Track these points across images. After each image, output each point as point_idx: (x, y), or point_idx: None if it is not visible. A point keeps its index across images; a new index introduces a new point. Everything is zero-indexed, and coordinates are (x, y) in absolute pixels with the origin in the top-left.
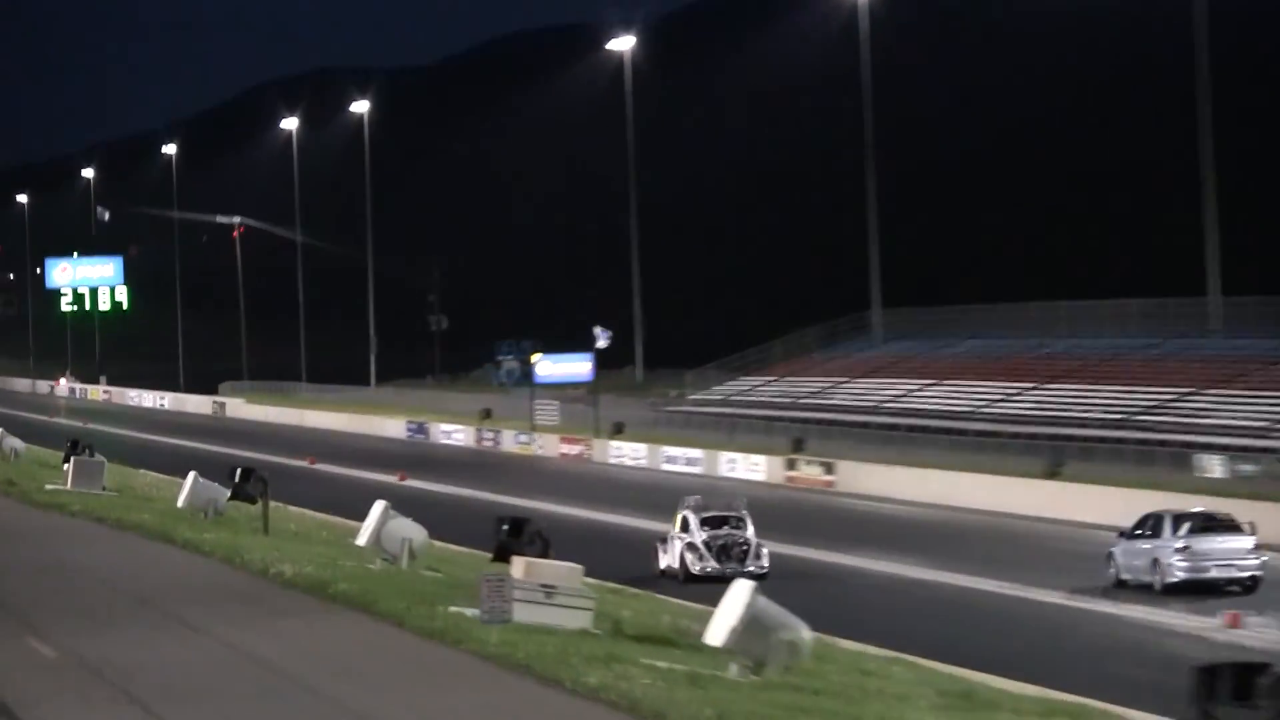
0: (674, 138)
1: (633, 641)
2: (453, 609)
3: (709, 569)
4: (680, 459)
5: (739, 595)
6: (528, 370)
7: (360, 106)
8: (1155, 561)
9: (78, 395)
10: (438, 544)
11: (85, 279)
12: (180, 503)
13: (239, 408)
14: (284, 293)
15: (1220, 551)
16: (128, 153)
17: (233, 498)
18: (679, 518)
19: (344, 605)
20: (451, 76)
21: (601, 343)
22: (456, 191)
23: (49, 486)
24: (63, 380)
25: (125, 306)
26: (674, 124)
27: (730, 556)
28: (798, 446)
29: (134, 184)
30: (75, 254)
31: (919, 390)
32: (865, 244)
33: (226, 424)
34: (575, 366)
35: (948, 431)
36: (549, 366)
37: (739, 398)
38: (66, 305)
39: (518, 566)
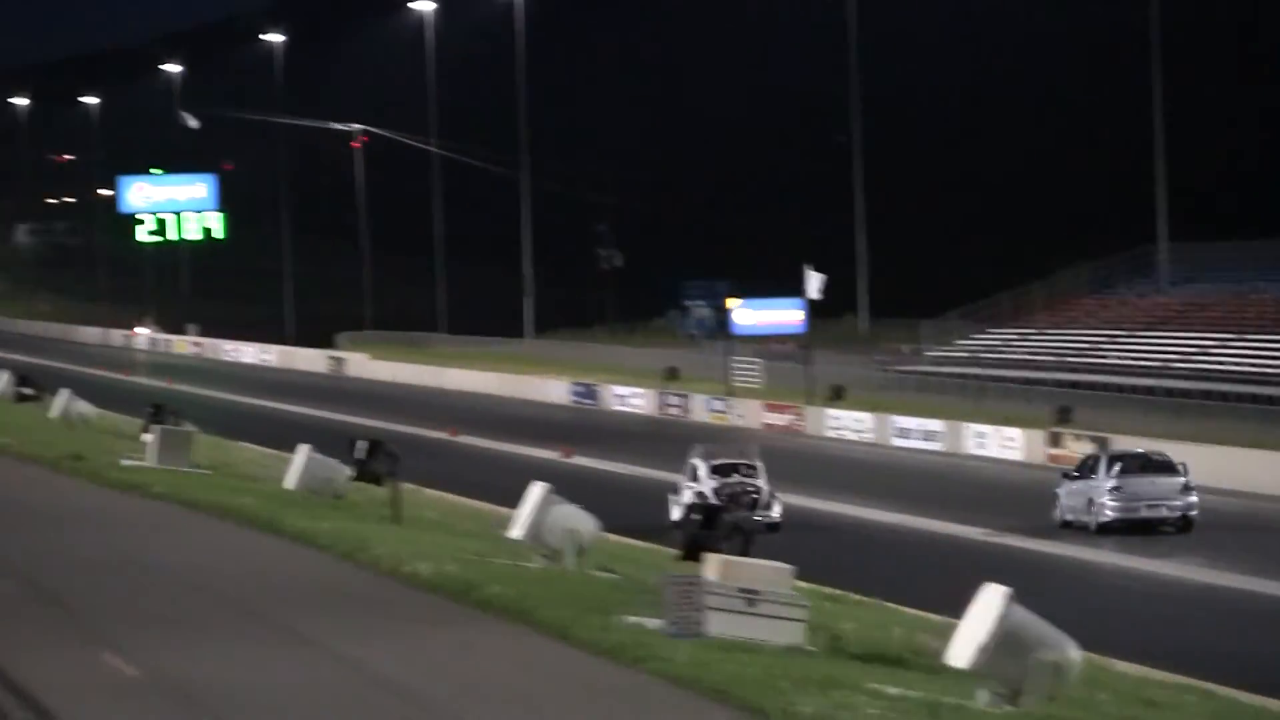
0: (904, 38)
1: (856, 661)
2: (630, 619)
3: None
4: (915, 432)
5: (989, 605)
6: (722, 319)
7: None
8: (1090, 502)
9: (159, 347)
10: (611, 537)
11: (169, 202)
12: (289, 483)
13: (361, 364)
14: (417, 221)
15: (1151, 491)
16: (217, 41)
17: (355, 477)
18: (688, 465)
19: (495, 613)
20: None
21: (814, 291)
22: (632, 98)
23: (125, 462)
24: (140, 329)
25: (218, 236)
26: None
27: (740, 505)
28: (1063, 417)
29: (227, 81)
30: (155, 170)
31: (1218, 347)
32: (1150, 160)
33: (346, 385)
34: (782, 315)
35: (1256, 399)
36: (749, 314)
37: (989, 355)
38: (145, 234)
39: (712, 566)
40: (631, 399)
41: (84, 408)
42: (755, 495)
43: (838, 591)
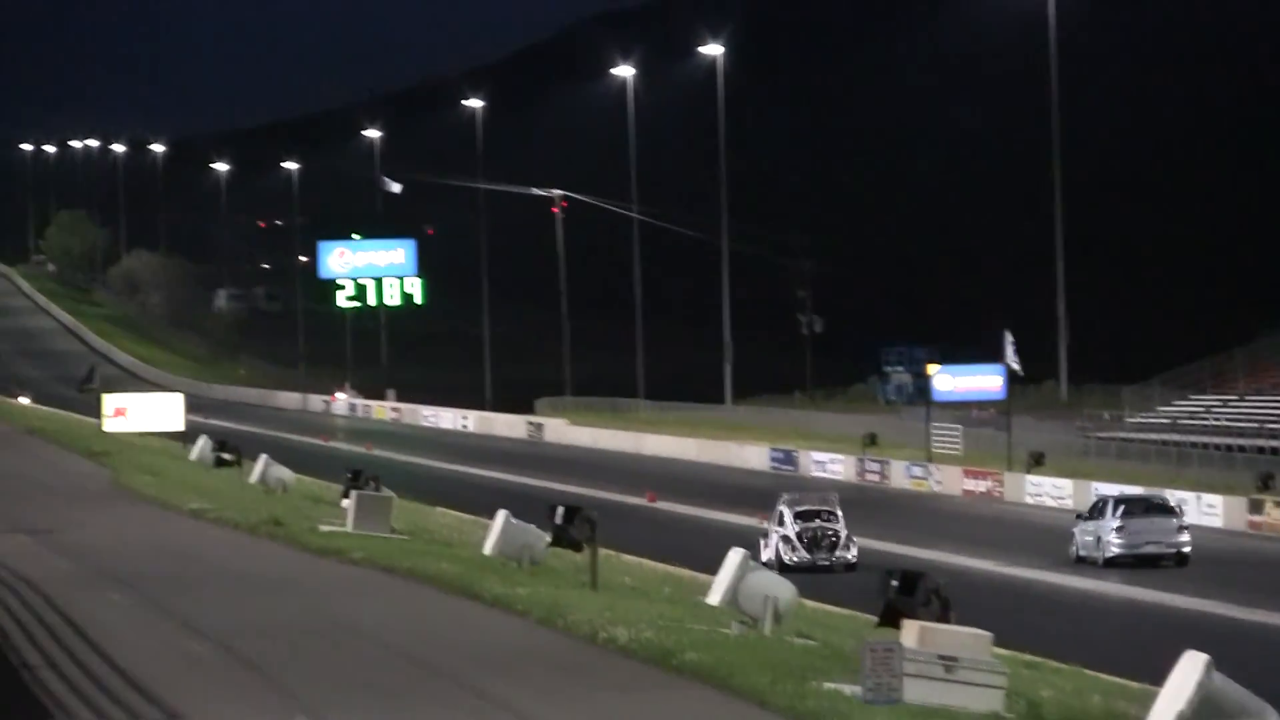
0: (1102, 87)
1: None
2: (828, 685)
3: (800, 559)
4: None
5: (1189, 672)
6: (922, 385)
7: (713, 50)
8: (1098, 539)
9: (358, 413)
10: (809, 603)
11: (369, 267)
12: (488, 549)
13: (560, 430)
14: (614, 286)
15: (1151, 530)
16: (416, 105)
17: (553, 543)
18: (776, 512)
19: (691, 679)
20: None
21: (1013, 360)
22: (833, 155)
23: (324, 527)
24: (340, 394)
25: (418, 301)
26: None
27: (820, 547)
28: (1265, 484)
29: (426, 145)
30: (355, 235)
31: None
32: None
33: (545, 450)
34: (982, 380)
35: None
36: (949, 380)
37: (1189, 421)
38: (345, 300)
39: (910, 632)
40: (830, 465)
41: (283, 473)
42: (835, 538)
43: (1036, 658)
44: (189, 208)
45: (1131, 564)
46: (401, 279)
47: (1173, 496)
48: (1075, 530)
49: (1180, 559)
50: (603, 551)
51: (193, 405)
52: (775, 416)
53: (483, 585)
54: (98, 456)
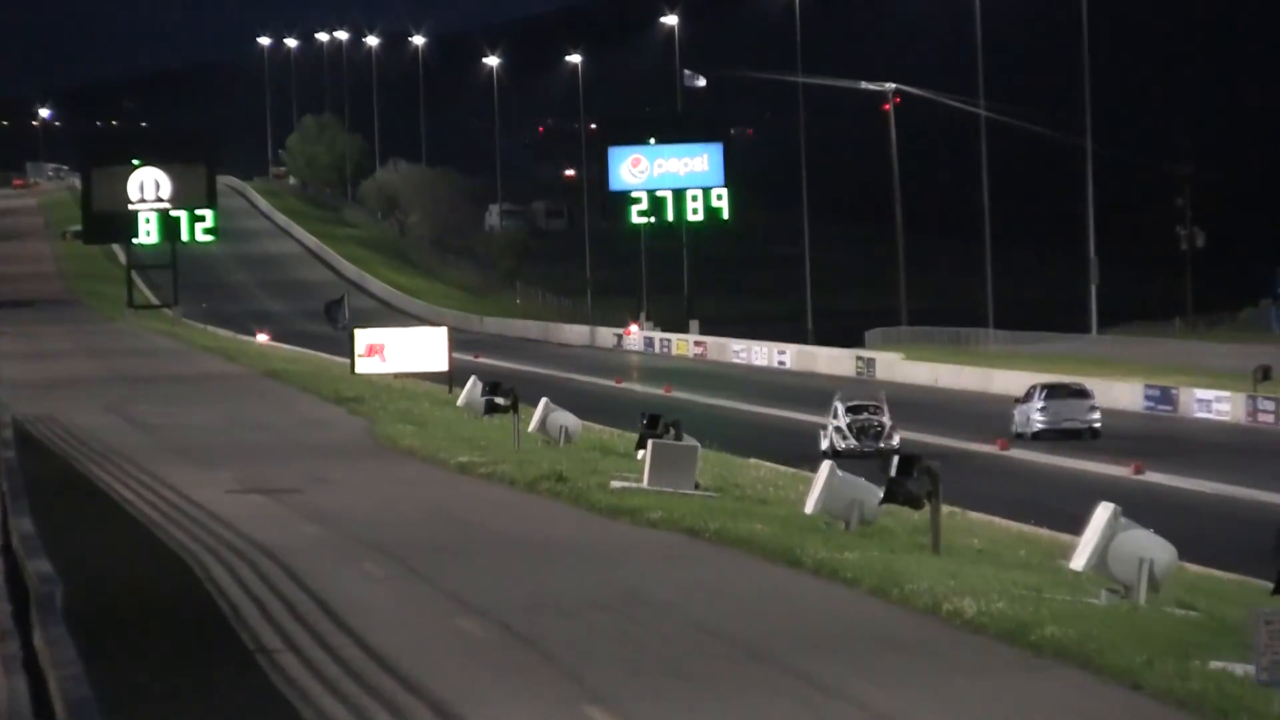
0: None
1: None
2: (1214, 664)
3: (850, 446)
4: None
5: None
6: None
7: None
8: (1028, 418)
9: (655, 349)
10: (1190, 568)
11: (667, 177)
12: (809, 507)
13: (893, 366)
14: (959, 200)
15: (1068, 409)
16: None
17: (886, 499)
18: (832, 407)
19: (1051, 657)
20: None
21: None
22: (1211, 48)
23: (616, 484)
24: (634, 327)
25: (724, 217)
26: None
27: (868, 435)
28: None
29: (729, 38)
30: (653, 140)
31: None
32: None
33: (876, 390)
34: None
35: None
36: None
37: None
38: (638, 216)
39: None
40: (1216, 404)
41: (566, 420)
42: (880, 428)
43: None
44: (455, 111)
45: (1053, 438)
46: (705, 191)
47: None
48: (1014, 412)
49: (1093, 433)
50: (945, 509)
51: (460, 342)
52: (1149, 348)
53: (805, 549)
54: (349, 403)
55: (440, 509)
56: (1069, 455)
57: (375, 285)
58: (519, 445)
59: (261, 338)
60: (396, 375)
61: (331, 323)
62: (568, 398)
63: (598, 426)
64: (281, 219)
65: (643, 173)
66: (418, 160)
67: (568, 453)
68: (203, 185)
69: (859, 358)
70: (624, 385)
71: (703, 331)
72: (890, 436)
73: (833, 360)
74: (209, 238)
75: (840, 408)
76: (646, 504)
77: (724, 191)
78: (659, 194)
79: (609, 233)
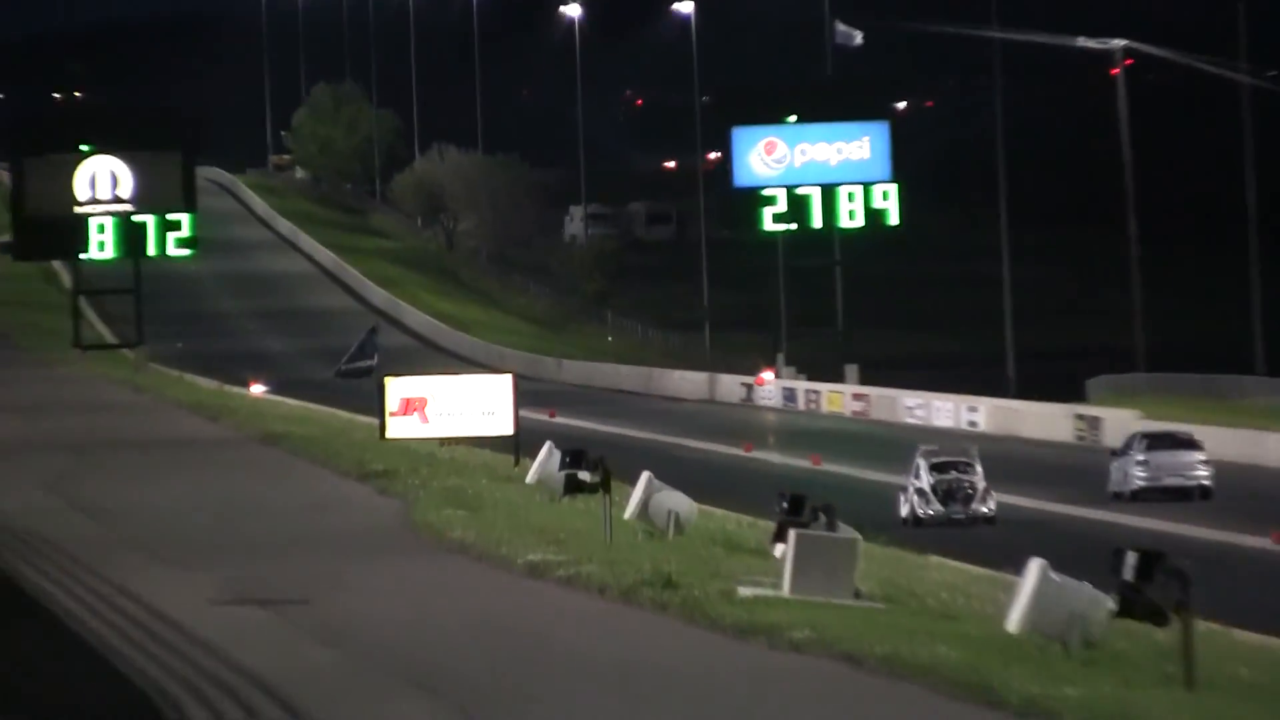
0: None
1: None
2: None
3: (935, 512)
4: None
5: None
6: None
7: None
8: (1125, 474)
9: (799, 404)
10: None
11: (812, 168)
12: (1013, 623)
13: (1128, 426)
14: (1202, 195)
15: (1173, 463)
16: None
17: (1121, 613)
18: (913, 465)
19: None
20: None
21: None
22: None
23: (745, 591)
24: (769, 375)
25: (892, 222)
26: None
27: (956, 499)
28: None
29: None
30: (790, 119)
31: None
32: None
33: (1103, 461)
34: None
35: None
36: None
37: None
38: (774, 221)
39: None
40: None
41: (677, 502)
42: (972, 491)
43: None
44: (521, 80)
45: (1155, 498)
46: (866, 188)
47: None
48: (1112, 467)
49: (1203, 492)
50: (1202, 624)
51: (530, 394)
52: None
53: (1007, 683)
54: (377, 478)
55: (503, 626)
56: None
57: (413, 316)
58: (611, 538)
59: (257, 389)
60: (443, 441)
61: (354, 368)
62: (679, 472)
63: (719, 512)
64: (285, 226)
65: (780, 162)
66: (471, 147)
67: (678, 548)
68: (177, 180)
69: (1079, 416)
70: (755, 454)
71: (863, 380)
72: (985, 500)
73: (1043, 420)
74: (185, 251)
75: (923, 465)
76: (788, 619)
77: (891, 188)
78: (801, 191)
79: (733, 244)
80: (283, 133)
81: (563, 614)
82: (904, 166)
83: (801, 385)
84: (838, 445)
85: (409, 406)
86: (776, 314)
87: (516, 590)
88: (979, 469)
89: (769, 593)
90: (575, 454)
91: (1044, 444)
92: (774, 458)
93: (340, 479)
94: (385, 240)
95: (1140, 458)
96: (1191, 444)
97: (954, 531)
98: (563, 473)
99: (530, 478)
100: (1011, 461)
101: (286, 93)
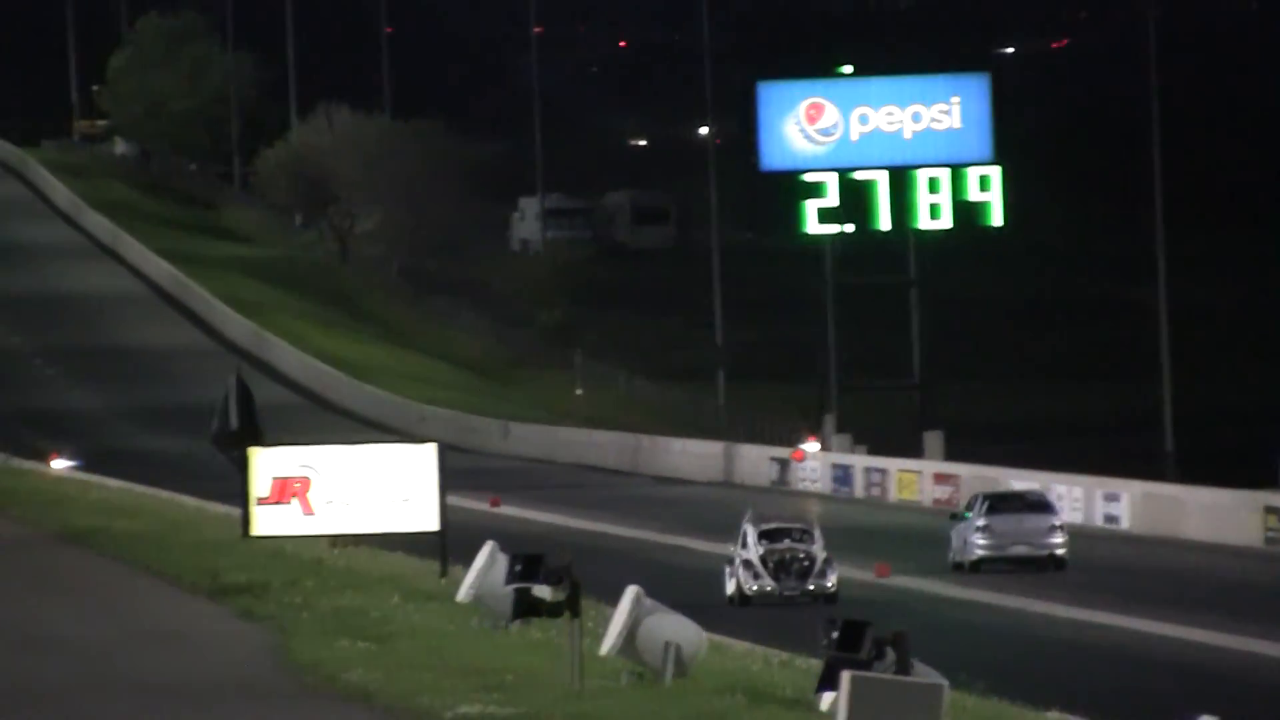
0: None
1: None
2: None
3: (764, 588)
4: None
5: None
6: None
7: None
8: (965, 541)
9: (855, 487)
10: None
11: (877, 142)
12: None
13: None
14: None
15: (1020, 530)
16: None
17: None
18: (740, 532)
19: None
20: None
21: None
22: None
23: None
24: (811, 445)
25: (994, 222)
26: None
27: (789, 573)
28: None
29: None
30: (848, 69)
31: None
32: None
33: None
34: None
35: None
36: None
37: None
38: (821, 220)
39: None
40: None
41: (676, 630)
42: (808, 563)
43: None
44: (447, 12)
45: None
46: (956, 171)
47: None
48: (952, 533)
49: (1055, 562)
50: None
51: (462, 471)
52: None
53: None
54: (238, 596)
55: None
56: None
57: (288, 357)
58: (580, 683)
59: (59, 464)
60: (335, 541)
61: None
62: (678, 586)
63: (739, 644)
64: (99, 224)
65: (829, 134)
66: (375, 109)
67: (679, 697)
68: None
69: (1269, 509)
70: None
71: (950, 454)
72: (825, 574)
73: (1217, 514)
74: None
75: (751, 533)
76: None
77: (993, 172)
78: (861, 176)
79: (760, 254)
80: (94, 87)
81: None
82: (1013, 142)
83: (860, 461)
84: (911, 549)
85: (285, 491)
86: (824, 357)
87: None
88: (818, 537)
89: None
90: (529, 560)
91: (1217, 549)
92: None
93: (184, 598)
94: (246, 246)
95: (981, 523)
96: (1044, 507)
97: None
98: (510, 587)
99: (463, 594)
100: (1171, 575)
101: (99, 28)
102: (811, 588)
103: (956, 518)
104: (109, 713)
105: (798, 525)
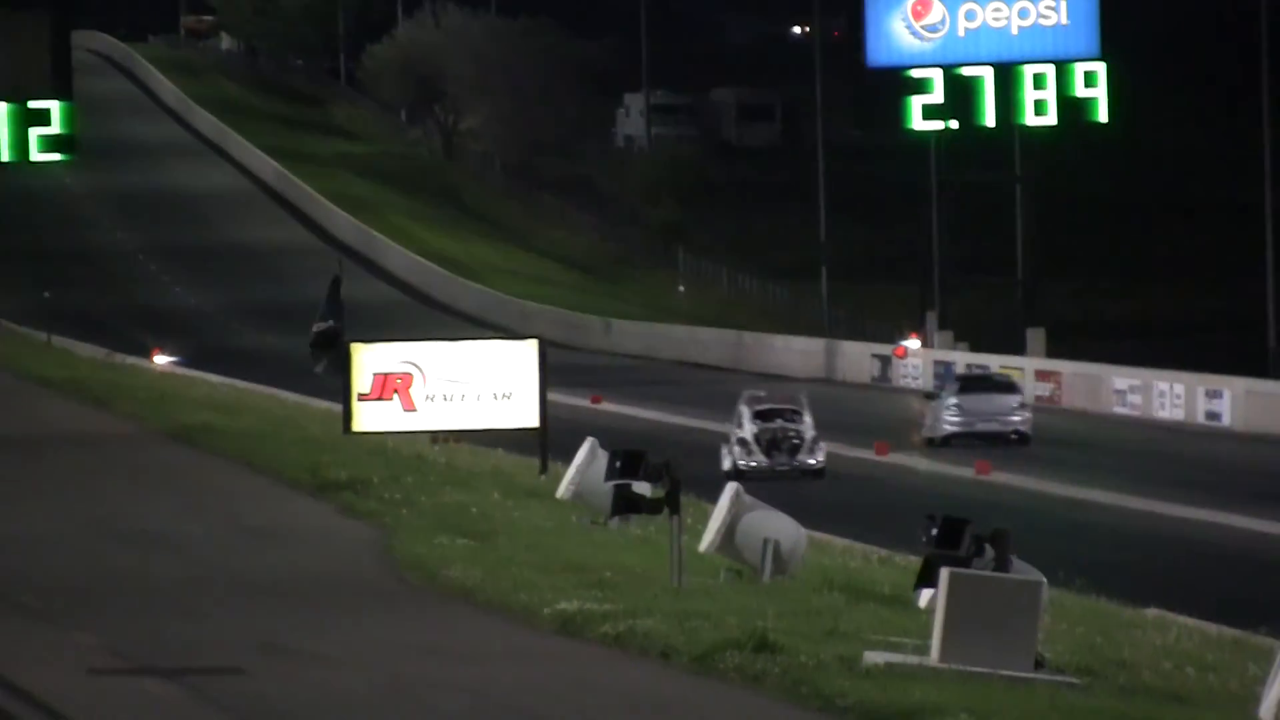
0: None
1: None
2: None
3: (756, 464)
4: None
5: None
6: None
7: None
8: (937, 418)
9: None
10: None
11: (985, 37)
12: (1266, 709)
13: None
14: None
15: (987, 408)
16: None
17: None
18: (736, 413)
19: None
20: None
21: None
22: None
23: (875, 658)
24: (913, 342)
25: (1100, 118)
26: None
27: (780, 450)
28: None
29: None
30: None
31: None
32: None
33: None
34: None
35: None
36: None
37: None
38: (926, 117)
39: None
40: None
41: (776, 527)
42: (798, 441)
43: None
44: None
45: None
46: (1062, 66)
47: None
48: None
49: (1018, 437)
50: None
51: (564, 370)
52: None
53: None
54: (340, 493)
55: (520, 709)
56: None
57: (394, 256)
58: (681, 579)
59: (163, 360)
60: (437, 437)
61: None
62: (782, 484)
63: (840, 541)
64: (206, 121)
65: (936, 30)
66: (482, 7)
67: (779, 594)
68: (44, 52)
69: None
70: (892, 458)
71: (1052, 351)
72: (813, 451)
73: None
74: (55, 156)
75: (746, 413)
76: (938, 699)
77: (1099, 68)
78: (967, 72)
79: (866, 152)
80: None
81: (609, 690)
82: (1120, 37)
83: (962, 358)
84: (1015, 447)
85: (387, 387)
86: (927, 255)
87: (542, 655)
88: (808, 417)
89: (910, 660)
90: (630, 457)
91: None
92: (920, 464)
93: (286, 494)
94: (353, 143)
95: (952, 401)
96: (1009, 387)
97: (1180, 573)
98: (611, 484)
99: (563, 491)
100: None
101: None
102: (799, 463)
103: (930, 397)
104: (214, 607)
105: (789, 406)
